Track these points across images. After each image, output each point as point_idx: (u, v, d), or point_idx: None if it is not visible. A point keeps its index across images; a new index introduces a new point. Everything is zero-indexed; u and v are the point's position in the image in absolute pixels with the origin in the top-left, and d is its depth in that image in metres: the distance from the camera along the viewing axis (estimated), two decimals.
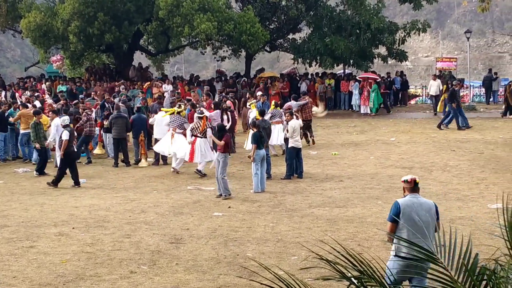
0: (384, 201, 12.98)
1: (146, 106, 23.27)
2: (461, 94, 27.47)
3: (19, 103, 21.96)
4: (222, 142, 14.05)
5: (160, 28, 30.47)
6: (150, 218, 12.14)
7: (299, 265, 8.85)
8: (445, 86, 26.83)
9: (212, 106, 20.16)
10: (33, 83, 32.21)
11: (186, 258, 9.55)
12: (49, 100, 24.42)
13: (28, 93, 26.88)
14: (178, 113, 18.03)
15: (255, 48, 31.17)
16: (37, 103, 22.08)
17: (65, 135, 15.58)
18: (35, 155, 18.78)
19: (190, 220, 11.97)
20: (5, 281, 8.64)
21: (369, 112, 29.21)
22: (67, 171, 15.93)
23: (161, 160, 18.87)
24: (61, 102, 23.31)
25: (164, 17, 29.01)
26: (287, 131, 16.22)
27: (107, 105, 21.64)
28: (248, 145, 17.29)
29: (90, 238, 10.78)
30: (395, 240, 6.81)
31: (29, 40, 33.41)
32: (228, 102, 20.92)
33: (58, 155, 17.03)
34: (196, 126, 16.73)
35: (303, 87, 30.52)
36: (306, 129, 20.64)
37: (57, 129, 17.46)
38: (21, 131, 19.66)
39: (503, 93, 32.96)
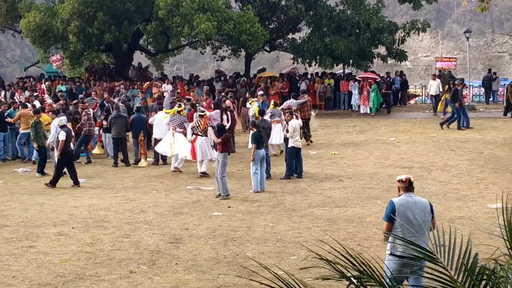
0: (383, 200, 12.96)
1: (145, 106, 23.27)
2: (463, 93, 27.40)
3: (17, 102, 21.95)
4: (219, 140, 14.09)
5: (159, 28, 30.46)
6: (149, 218, 12.14)
7: (298, 264, 8.85)
8: (446, 86, 26.74)
9: (212, 106, 20.16)
10: (33, 83, 32.21)
11: (186, 258, 9.55)
12: (48, 100, 24.41)
13: (27, 93, 26.88)
14: (178, 112, 18.04)
15: (254, 48, 31.18)
16: (37, 103, 22.08)
17: (62, 136, 15.56)
18: (35, 153, 18.77)
19: (190, 220, 11.97)
20: (4, 281, 8.64)
21: (368, 112, 29.22)
22: (66, 171, 15.93)
23: (161, 160, 18.86)
24: (61, 102, 23.30)
25: (164, 17, 29.01)
26: (287, 131, 16.21)
27: (106, 105, 21.64)
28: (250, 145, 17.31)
29: (89, 238, 10.78)
30: (390, 239, 6.86)
31: (28, 40, 33.41)
32: (228, 102, 20.92)
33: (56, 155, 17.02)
34: (197, 125, 16.73)
35: (303, 87, 30.55)
36: (304, 127, 20.64)
37: (56, 130, 17.46)
38: (21, 131, 19.66)
39: (502, 93, 33.01)
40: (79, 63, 36.17)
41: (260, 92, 23.57)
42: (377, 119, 27.56)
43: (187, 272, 8.92)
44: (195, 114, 18.11)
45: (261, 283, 4.73)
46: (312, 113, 22.40)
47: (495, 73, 34.91)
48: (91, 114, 20.52)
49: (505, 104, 28.02)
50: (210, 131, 15.56)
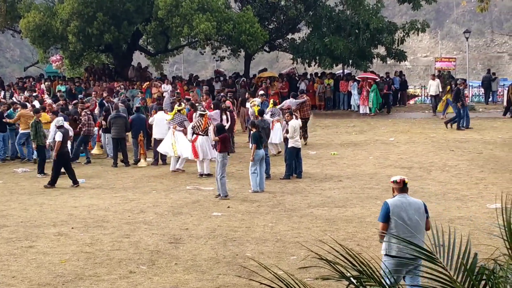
0: (383, 201, 12.93)
1: (145, 106, 23.27)
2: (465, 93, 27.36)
3: (15, 100, 21.91)
4: (217, 138, 14.13)
5: (159, 28, 30.46)
6: (149, 218, 12.14)
7: (298, 264, 8.85)
8: (448, 87, 26.65)
9: (212, 106, 20.17)
10: (32, 83, 32.21)
11: (185, 258, 9.55)
12: (48, 100, 24.40)
13: (26, 93, 26.87)
14: (179, 111, 18.05)
15: (254, 48, 31.19)
16: (36, 103, 22.07)
17: (58, 137, 15.55)
18: (35, 152, 18.75)
19: (189, 220, 11.97)
20: (4, 281, 8.64)
21: (368, 112, 29.23)
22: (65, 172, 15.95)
23: (160, 160, 18.86)
24: (60, 102, 23.29)
25: (163, 17, 29.01)
26: (287, 131, 16.20)
27: (106, 105, 21.64)
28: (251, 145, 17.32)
29: (89, 238, 10.78)
30: (385, 240, 6.91)
31: (28, 40, 33.41)
32: (228, 102, 20.92)
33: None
34: (198, 124, 16.73)
35: (302, 87, 30.54)
36: (304, 127, 20.64)
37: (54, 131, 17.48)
38: (20, 131, 19.65)
39: (502, 93, 33.02)
40: (79, 63, 36.18)
41: (261, 92, 23.59)
42: (377, 119, 27.56)
43: (186, 272, 8.92)
44: (194, 114, 18.12)
45: (261, 283, 4.73)
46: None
47: (494, 73, 34.92)
48: (91, 114, 20.53)
49: (506, 104, 27.99)
50: (211, 129, 15.58)
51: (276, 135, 19.08)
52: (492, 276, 4.27)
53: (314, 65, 34.28)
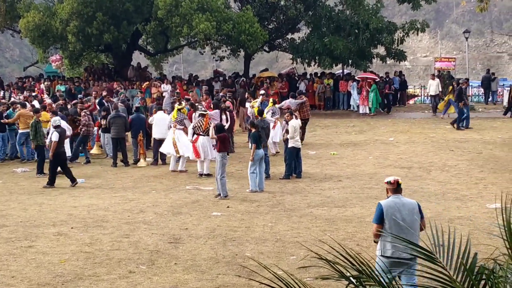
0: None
1: (145, 106, 23.26)
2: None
3: (14, 99, 21.88)
4: (215, 136, 14.12)
5: (158, 28, 30.46)
6: (148, 218, 12.14)
7: (298, 264, 8.84)
8: (450, 87, 26.60)
9: (212, 105, 20.16)
10: (32, 83, 32.20)
11: (185, 258, 9.55)
12: (48, 100, 24.39)
13: (26, 93, 26.85)
14: (179, 110, 18.05)
15: (254, 48, 31.18)
16: (36, 103, 22.05)
17: (55, 137, 15.54)
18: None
19: (189, 220, 11.97)
20: (3, 281, 8.64)
21: (367, 112, 29.22)
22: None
23: (160, 160, 18.85)
24: (60, 102, 23.28)
25: (163, 17, 29.00)
26: (287, 131, 16.19)
27: (106, 104, 21.63)
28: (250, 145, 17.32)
29: (88, 238, 10.78)
30: (379, 241, 6.97)
31: (28, 40, 33.37)
32: (227, 102, 20.92)
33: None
34: (199, 125, 16.72)
35: (302, 87, 30.54)
36: (303, 127, 20.64)
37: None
38: (20, 131, 19.64)
39: (502, 93, 33.03)
40: (78, 63, 36.15)
41: (262, 92, 23.61)
42: (376, 119, 27.57)
43: (186, 272, 8.92)
44: (194, 114, 18.11)
45: (261, 283, 4.73)
46: None
47: (493, 73, 34.92)
48: (90, 114, 20.52)
49: (507, 104, 27.92)
50: (212, 128, 15.59)
51: (276, 134, 19.10)
52: (491, 276, 4.27)
53: (314, 65, 34.29)
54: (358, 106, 30.16)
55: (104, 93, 24.55)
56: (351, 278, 4.39)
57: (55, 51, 35.48)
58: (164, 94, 27.85)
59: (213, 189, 14.45)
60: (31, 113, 18.84)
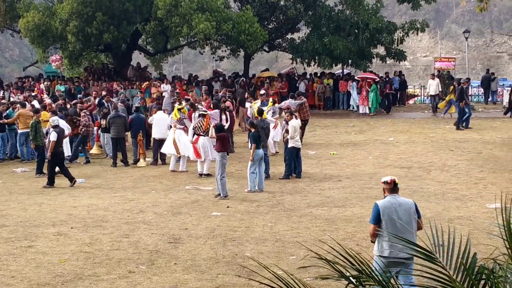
0: None
1: (144, 106, 23.26)
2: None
3: (14, 99, 21.87)
4: (214, 136, 14.11)
5: (158, 28, 30.46)
6: (148, 218, 12.14)
7: (297, 264, 8.84)
8: (451, 87, 26.57)
9: (211, 105, 20.16)
10: (32, 83, 32.20)
11: (185, 258, 9.55)
12: (47, 100, 24.39)
13: (26, 93, 26.84)
14: (179, 109, 18.06)
15: (253, 48, 31.18)
16: (36, 103, 22.05)
17: (53, 137, 15.54)
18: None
19: (189, 220, 11.97)
20: (3, 281, 8.64)
21: (367, 112, 29.23)
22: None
23: (160, 160, 18.85)
24: (60, 101, 23.28)
25: (163, 17, 29.01)
26: (287, 131, 16.18)
27: (106, 104, 21.63)
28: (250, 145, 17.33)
29: (88, 237, 10.78)
30: (376, 241, 6.98)
31: (27, 39, 33.38)
32: (227, 102, 20.92)
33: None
34: (199, 125, 16.71)
35: (302, 87, 30.54)
36: (303, 128, 20.65)
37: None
38: (19, 131, 19.63)
39: (501, 93, 33.03)
40: (78, 63, 36.15)
41: (262, 92, 23.62)
42: (376, 119, 27.57)
43: (186, 272, 8.92)
44: (193, 114, 18.11)
45: (261, 283, 4.73)
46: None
47: (493, 73, 34.92)
48: (90, 114, 20.51)
49: (507, 104, 27.89)
50: (212, 128, 15.60)
51: (277, 133, 19.10)
52: (491, 276, 4.27)
53: (314, 65, 34.30)
54: (358, 106, 30.16)
55: (104, 93, 24.55)
56: (350, 278, 4.39)
57: (54, 51, 35.49)
58: (164, 94, 27.85)
59: (213, 189, 14.45)
60: (31, 113, 18.84)
